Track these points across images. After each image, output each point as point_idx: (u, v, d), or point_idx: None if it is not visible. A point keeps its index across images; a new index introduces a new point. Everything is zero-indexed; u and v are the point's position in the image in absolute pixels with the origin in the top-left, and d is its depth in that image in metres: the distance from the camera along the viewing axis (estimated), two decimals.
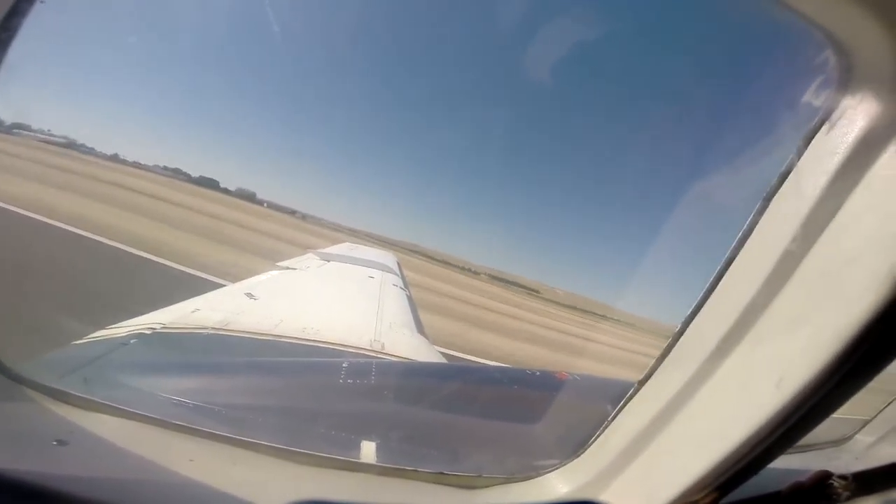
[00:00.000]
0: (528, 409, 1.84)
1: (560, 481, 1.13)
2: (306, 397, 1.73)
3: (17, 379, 1.02)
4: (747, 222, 0.87)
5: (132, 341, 2.00)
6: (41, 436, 0.90)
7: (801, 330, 0.78)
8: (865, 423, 1.92)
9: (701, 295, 0.93)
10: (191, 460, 0.97)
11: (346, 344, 2.76)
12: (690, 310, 0.95)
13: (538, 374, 2.56)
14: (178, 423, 1.09)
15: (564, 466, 1.15)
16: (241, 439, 1.08)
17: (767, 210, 0.85)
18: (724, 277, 0.90)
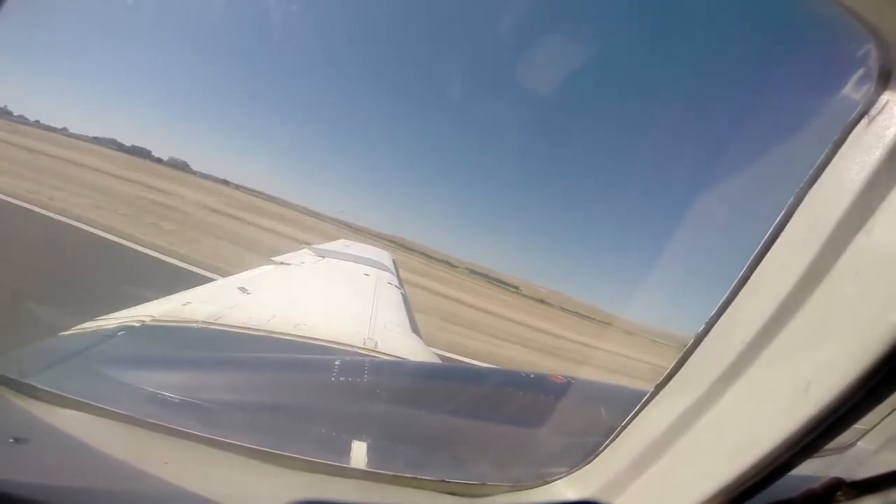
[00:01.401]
0: (529, 414, 1.79)
1: (568, 489, 1.09)
2: (297, 396, 1.66)
3: None
4: (778, 219, 0.83)
5: (119, 333, 1.93)
6: None
7: (831, 338, 0.74)
8: (868, 430, 1.90)
9: (723, 299, 0.89)
10: (165, 463, 0.90)
11: (339, 341, 2.71)
12: (712, 314, 0.91)
13: (533, 376, 2.52)
14: (153, 421, 1.01)
15: (573, 474, 1.11)
16: (223, 441, 1.01)
17: (801, 206, 0.81)
18: (750, 280, 0.86)
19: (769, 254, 0.85)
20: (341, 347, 2.66)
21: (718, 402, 0.87)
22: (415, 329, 4.06)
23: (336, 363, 1.92)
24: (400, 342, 3.23)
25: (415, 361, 2.90)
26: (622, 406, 1.08)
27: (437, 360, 3.58)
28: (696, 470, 0.88)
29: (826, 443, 0.79)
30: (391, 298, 4.71)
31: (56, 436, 0.89)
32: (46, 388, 0.97)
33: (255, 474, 0.98)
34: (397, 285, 5.66)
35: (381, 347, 2.90)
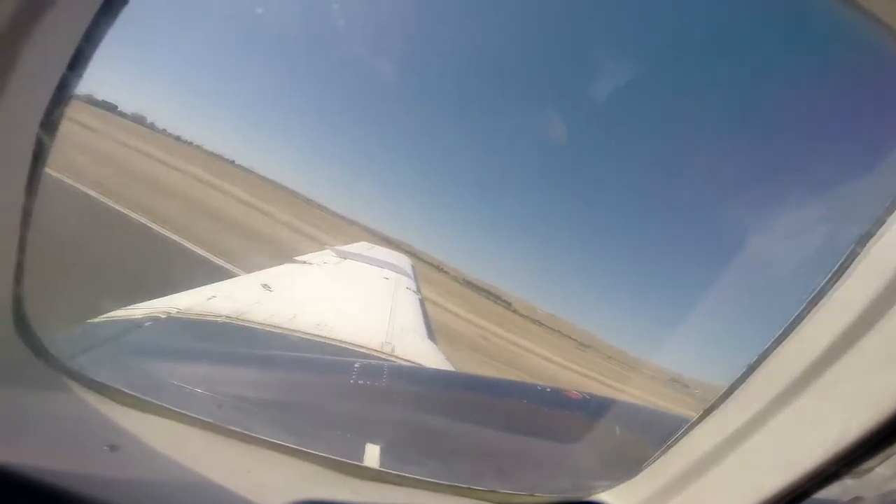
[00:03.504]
0: (563, 428, 1.81)
1: (614, 501, 1.12)
2: (349, 403, 1.69)
3: (65, 371, 0.96)
4: (840, 261, 0.83)
5: (147, 324, 1.98)
6: (92, 439, 0.85)
7: (876, 379, 0.76)
8: (888, 456, 1.84)
9: (780, 331, 0.90)
10: (248, 471, 0.92)
11: (357, 343, 2.73)
12: (766, 346, 0.92)
13: (549, 390, 2.50)
14: (234, 429, 1.04)
15: (617, 487, 1.14)
16: (294, 448, 1.05)
17: (869, 250, 0.80)
18: (810, 316, 0.87)
19: (828, 296, 0.85)
20: (360, 350, 2.68)
21: (760, 430, 0.89)
22: (431, 335, 4.07)
23: (372, 368, 1.95)
24: (416, 348, 3.25)
25: (436, 369, 2.90)
26: (656, 426, 1.10)
27: (451, 368, 3.58)
28: (733, 490, 0.91)
29: (851, 471, 0.82)
30: (409, 304, 4.73)
31: (144, 443, 0.90)
32: (129, 392, 0.99)
33: (321, 480, 1.01)
34: (415, 290, 5.69)
35: (397, 352, 2.91)
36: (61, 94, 0.73)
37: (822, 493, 1.01)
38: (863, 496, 1.04)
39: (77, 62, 0.73)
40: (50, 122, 0.72)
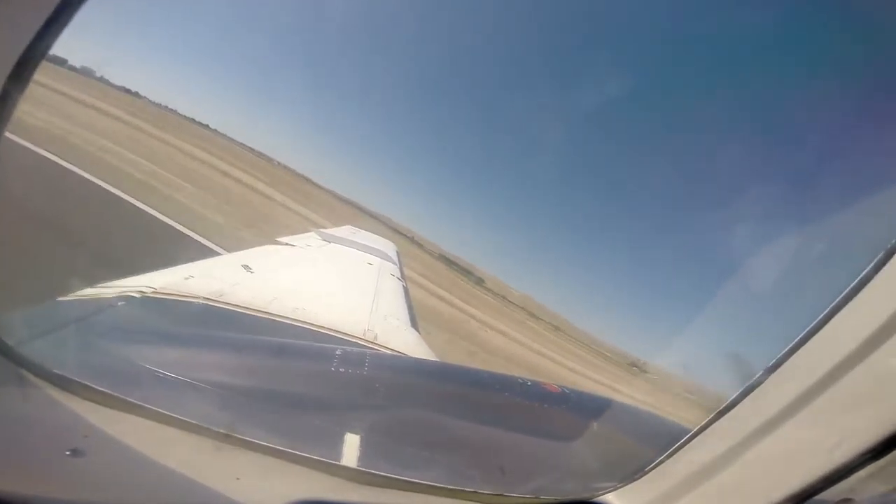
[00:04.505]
0: (555, 425, 1.80)
1: (619, 503, 1.13)
2: (339, 400, 1.64)
3: (23, 364, 0.88)
4: (867, 268, 0.81)
5: (120, 303, 1.90)
6: (52, 443, 0.76)
7: (891, 387, 0.77)
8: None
9: (797, 338, 0.90)
10: (237, 479, 0.85)
11: (338, 330, 2.68)
12: (777, 357, 0.92)
13: (530, 383, 2.50)
14: (218, 430, 0.97)
15: (621, 489, 1.14)
16: (285, 451, 0.99)
17: (887, 265, 0.79)
18: (823, 330, 0.86)
19: (847, 304, 0.83)
20: (340, 336, 2.63)
21: (770, 435, 0.90)
22: (414, 323, 4.03)
23: (359, 358, 1.90)
24: (399, 336, 3.21)
25: (421, 359, 2.89)
26: (651, 427, 1.10)
27: (434, 357, 3.56)
28: (740, 495, 0.93)
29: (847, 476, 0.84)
30: (393, 290, 4.68)
31: (113, 446, 0.82)
32: (98, 388, 0.91)
33: (316, 488, 0.96)
34: (399, 277, 5.64)
35: (380, 340, 2.87)
36: (31, 54, 0.65)
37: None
38: (852, 498, 1.08)
39: (49, 25, 0.66)
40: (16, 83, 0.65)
